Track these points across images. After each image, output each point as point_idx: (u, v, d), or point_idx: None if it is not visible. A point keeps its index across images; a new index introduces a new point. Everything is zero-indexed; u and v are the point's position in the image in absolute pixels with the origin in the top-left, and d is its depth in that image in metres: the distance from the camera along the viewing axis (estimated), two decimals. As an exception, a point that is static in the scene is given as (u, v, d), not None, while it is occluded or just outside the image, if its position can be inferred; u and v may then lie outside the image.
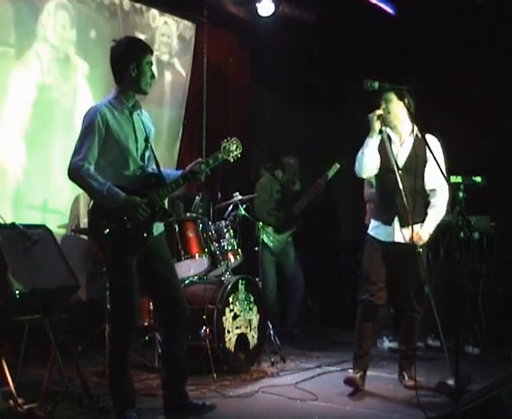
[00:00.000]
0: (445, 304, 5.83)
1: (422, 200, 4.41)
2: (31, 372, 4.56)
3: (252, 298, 5.17)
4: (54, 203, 5.75)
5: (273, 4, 6.69)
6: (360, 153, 4.42)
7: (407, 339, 4.62)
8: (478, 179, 5.76)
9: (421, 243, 4.31)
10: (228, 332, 4.94)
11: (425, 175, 4.41)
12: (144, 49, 3.73)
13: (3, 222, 4.07)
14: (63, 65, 5.93)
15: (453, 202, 5.18)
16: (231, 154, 3.91)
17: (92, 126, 3.58)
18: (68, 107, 5.93)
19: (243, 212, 5.45)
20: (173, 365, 3.82)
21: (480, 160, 6.37)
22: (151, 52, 3.75)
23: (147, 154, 3.79)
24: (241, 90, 7.44)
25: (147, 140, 3.78)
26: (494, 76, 6.69)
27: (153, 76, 3.74)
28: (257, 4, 6.69)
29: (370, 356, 4.62)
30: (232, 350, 4.96)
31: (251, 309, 5.16)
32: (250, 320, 5.14)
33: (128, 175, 3.68)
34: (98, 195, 3.56)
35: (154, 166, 3.82)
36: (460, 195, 5.56)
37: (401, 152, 4.43)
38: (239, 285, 5.10)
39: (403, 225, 4.34)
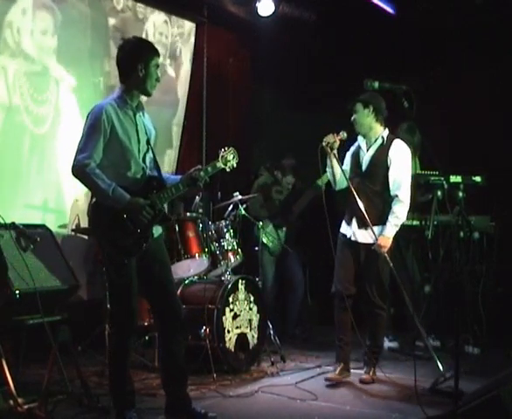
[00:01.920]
0: (445, 304, 5.84)
1: (381, 203, 4.65)
2: (31, 372, 4.56)
3: (252, 298, 5.18)
4: (54, 203, 5.75)
5: (273, 4, 6.69)
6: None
7: (372, 335, 4.77)
8: (478, 179, 5.76)
9: (384, 250, 4.55)
10: (228, 332, 4.94)
11: (389, 181, 4.65)
12: (153, 51, 3.72)
13: (3, 222, 4.07)
14: (38, 80, 5.45)
15: (452, 202, 5.18)
16: (228, 164, 3.96)
17: (97, 124, 3.56)
18: (39, 135, 5.55)
19: (243, 212, 5.45)
20: (171, 365, 3.81)
21: (480, 160, 6.36)
22: (158, 55, 3.74)
23: (148, 156, 3.78)
24: (241, 90, 7.44)
25: (148, 142, 3.78)
26: (494, 76, 6.69)
27: (158, 79, 3.73)
28: (257, 4, 6.69)
29: (350, 346, 4.77)
30: (232, 350, 4.96)
31: (251, 309, 5.17)
32: (250, 320, 5.14)
33: (130, 176, 3.67)
34: (103, 195, 3.55)
35: (154, 169, 3.81)
36: (460, 194, 5.56)
37: (366, 157, 4.75)
38: (239, 285, 5.11)
39: (360, 226, 4.66)
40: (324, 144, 4.61)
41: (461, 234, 5.51)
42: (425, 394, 4.30)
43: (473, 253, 5.90)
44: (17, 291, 3.87)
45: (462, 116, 6.77)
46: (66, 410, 3.92)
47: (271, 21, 6.80)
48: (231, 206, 5.51)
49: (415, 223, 5.71)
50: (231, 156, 3.97)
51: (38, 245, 4.14)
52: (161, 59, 3.79)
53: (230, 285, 5.00)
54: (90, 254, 5.82)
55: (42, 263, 4.16)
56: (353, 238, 4.71)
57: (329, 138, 4.62)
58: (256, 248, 5.75)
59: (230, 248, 5.25)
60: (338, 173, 4.73)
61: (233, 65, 7.27)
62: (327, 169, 4.77)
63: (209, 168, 3.87)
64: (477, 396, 3.56)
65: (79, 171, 3.54)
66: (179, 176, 3.88)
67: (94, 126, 3.57)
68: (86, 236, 5.74)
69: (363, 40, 6.85)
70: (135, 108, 3.73)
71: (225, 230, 5.28)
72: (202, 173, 3.80)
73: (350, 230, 4.72)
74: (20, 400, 3.73)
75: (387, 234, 4.58)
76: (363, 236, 4.67)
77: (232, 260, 5.28)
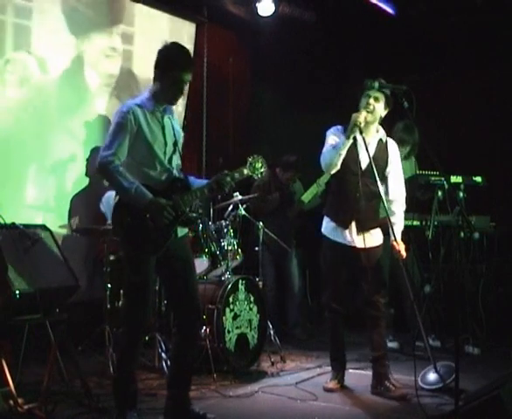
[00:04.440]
0: (445, 304, 5.84)
1: (377, 204, 4.38)
2: (31, 372, 4.55)
3: (252, 298, 5.18)
4: (54, 203, 5.75)
5: (273, 4, 6.70)
6: (331, 150, 4.34)
7: (378, 343, 4.46)
8: (478, 179, 5.76)
9: (403, 257, 4.32)
10: (228, 332, 4.94)
11: (389, 183, 4.45)
12: (187, 65, 3.71)
13: (3, 222, 4.07)
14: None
15: (453, 202, 5.18)
16: (256, 172, 3.89)
17: (124, 123, 3.60)
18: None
19: (243, 212, 5.45)
20: (181, 367, 3.80)
21: (480, 160, 6.37)
22: (191, 70, 3.73)
23: (174, 158, 3.79)
24: (241, 90, 7.44)
25: (175, 144, 3.79)
26: (493, 76, 6.69)
27: (182, 92, 3.74)
28: (257, 4, 6.70)
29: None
30: (232, 350, 4.96)
31: (251, 309, 5.17)
32: (250, 320, 5.14)
33: (155, 176, 3.69)
34: (125, 193, 3.58)
35: (180, 171, 3.82)
36: (460, 195, 5.56)
37: (364, 154, 4.34)
38: (239, 285, 5.11)
39: (360, 230, 4.36)
40: (359, 122, 4.22)
41: (461, 234, 5.51)
42: (426, 394, 4.30)
43: (474, 253, 5.90)
44: (17, 291, 3.86)
45: (462, 116, 6.78)
46: (66, 410, 3.91)
47: (271, 21, 6.81)
48: (231, 206, 5.51)
49: (415, 223, 5.71)
50: (260, 165, 3.90)
51: (38, 245, 4.15)
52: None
53: (230, 285, 5.00)
54: (90, 254, 5.82)
55: (42, 263, 4.16)
56: (353, 245, 4.37)
57: (362, 118, 4.25)
58: (256, 248, 5.75)
59: (230, 248, 5.25)
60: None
61: (233, 65, 7.27)
62: (339, 149, 4.27)
63: (236, 175, 3.82)
64: (477, 396, 3.56)
65: (103, 168, 3.59)
66: (205, 181, 3.86)
67: (121, 124, 3.60)
68: (86, 236, 5.74)
69: (363, 40, 6.86)
70: (163, 111, 3.75)
71: (225, 230, 5.28)
72: (228, 178, 3.77)
73: (349, 235, 4.39)
74: (20, 400, 3.74)
75: (399, 239, 4.33)
76: (363, 242, 4.35)
77: (232, 260, 5.28)
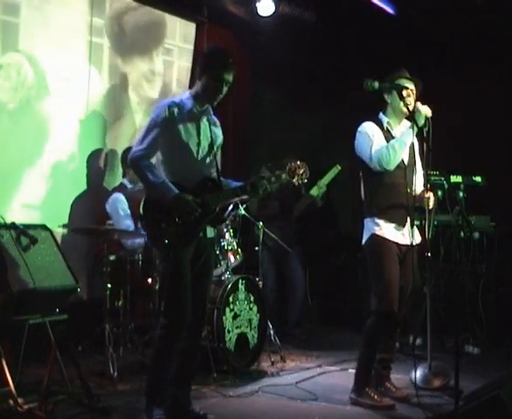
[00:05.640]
0: (445, 304, 5.84)
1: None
2: (31, 372, 4.55)
3: (252, 298, 5.18)
4: (54, 203, 5.74)
5: (273, 4, 6.69)
6: (398, 144, 4.13)
7: (390, 347, 4.39)
8: (478, 179, 5.77)
9: (431, 205, 4.16)
10: (228, 331, 4.95)
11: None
12: (227, 65, 3.75)
13: (3, 222, 4.07)
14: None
15: (452, 202, 5.18)
16: (296, 178, 3.79)
17: (157, 120, 3.67)
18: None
19: (243, 212, 5.45)
20: (183, 363, 3.79)
21: (480, 160, 6.37)
22: (230, 71, 3.76)
23: (208, 159, 3.81)
24: (241, 90, 7.43)
25: (211, 146, 3.81)
26: (494, 76, 6.69)
27: (221, 92, 3.76)
28: (257, 4, 6.69)
29: None
30: (232, 350, 4.96)
31: (251, 309, 5.17)
32: (250, 320, 5.14)
33: (185, 174, 3.71)
34: (151, 188, 3.64)
35: (214, 172, 3.84)
36: (460, 194, 5.56)
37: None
38: (239, 285, 5.11)
39: (412, 226, 4.19)
40: (429, 114, 4.06)
41: (461, 234, 5.51)
42: (426, 394, 4.30)
43: (473, 253, 5.91)
44: (17, 291, 3.87)
45: (462, 116, 6.78)
46: (66, 410, 3.91)
47: (271, 21, 6.80)
48: (231, 206, 5.50)
49: (415, 222, 5.70)
50: (302, 170, 3.79)
51: (38, 245, 4.15)
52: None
53: (230, 285, 5.00)
54: (90, 254, 5.81)
55: (42, 263, 4.16)
56: (408, 242, 4.15)
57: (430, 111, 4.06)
58: (256, 248, 5.75)
59: (230, 248, 5.25)
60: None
61: (233, 65, 7.25)
62: (403, 144, 4.13)
63: (272, 178, 3.79)
64: (477, 396, 3.57)
65: (133, 163, 3.71)
66: (241, 183, 3.84)
67: (156, 121, 3.68)
68: (85, 236, 5.73)
69: (363, 40, 6.86)
70: (203, 112, 3.79)
71: (225, 230, 5.28)
72: (264, 181, 3.75)
73: (407, 233, 4.17)
74: (20, 400, 3.73)
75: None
76: (418, 235, 4.16)
77: (232, 260, 5.28)
